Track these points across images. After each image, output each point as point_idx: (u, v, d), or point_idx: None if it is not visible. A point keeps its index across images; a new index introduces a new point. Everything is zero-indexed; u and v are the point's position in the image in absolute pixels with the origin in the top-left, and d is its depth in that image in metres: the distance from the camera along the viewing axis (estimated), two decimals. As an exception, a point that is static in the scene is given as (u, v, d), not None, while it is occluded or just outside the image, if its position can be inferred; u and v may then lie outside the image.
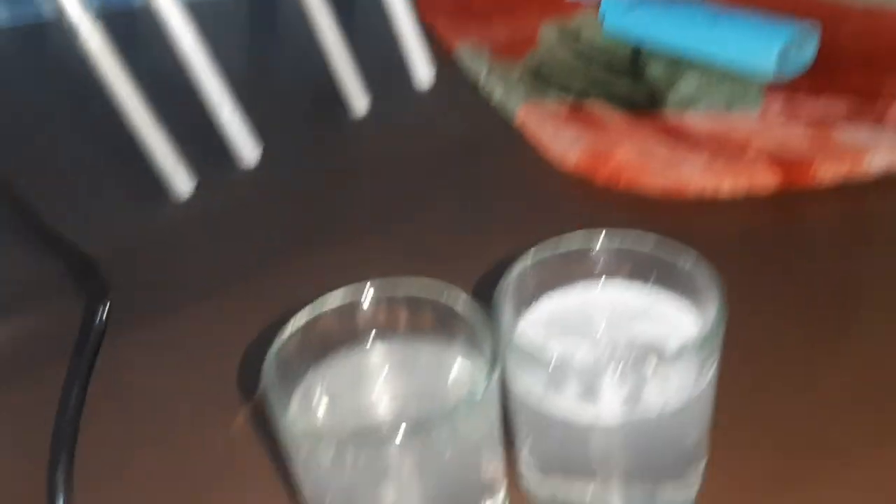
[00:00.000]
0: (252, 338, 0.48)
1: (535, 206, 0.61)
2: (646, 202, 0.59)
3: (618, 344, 0.36)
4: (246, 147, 0.56)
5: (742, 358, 0.45)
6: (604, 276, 0.39)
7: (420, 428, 0.31)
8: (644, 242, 0.38)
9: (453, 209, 0.61)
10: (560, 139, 0.65)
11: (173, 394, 0.47)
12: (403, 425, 0.30)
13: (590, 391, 0.33)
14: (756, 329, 0.48)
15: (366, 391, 0.37)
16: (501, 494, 0.37)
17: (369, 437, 0.32)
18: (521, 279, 0.37)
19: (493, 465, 0.36)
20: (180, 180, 0.54)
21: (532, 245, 0.40)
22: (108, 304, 0.47)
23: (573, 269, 0.39)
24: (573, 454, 0.36)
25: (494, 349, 0.33)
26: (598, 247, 0.38)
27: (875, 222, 0.57)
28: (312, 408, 0.36)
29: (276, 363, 0.34)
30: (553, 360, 0.33)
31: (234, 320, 0.51)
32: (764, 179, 0.59)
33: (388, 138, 0.70)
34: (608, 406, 0.33)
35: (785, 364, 0.46)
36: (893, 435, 0.41)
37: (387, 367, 0.37)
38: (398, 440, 0.30)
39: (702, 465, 0.38)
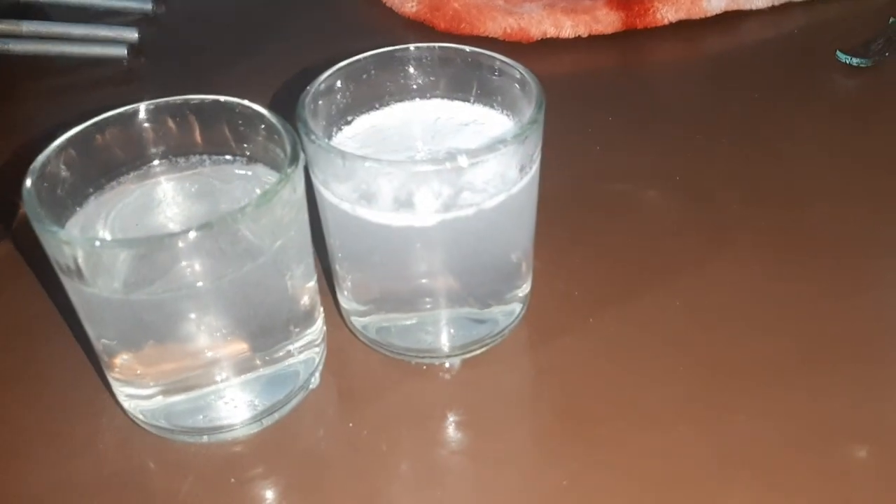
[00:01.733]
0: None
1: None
2: (488, 45, 0.56)
3: (437, 156, 0.34)
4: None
5: (573, 184, 0.45)
6: (425, 96, 0.36)
7: (209, 224, 0.27)
8: (462, 53, 0.35)
9: (284, 53, 0.57)
10: (399, -14, 0.61)
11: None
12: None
13: (405, 196, 0.30)
14: (590, 157, 0.47)
15: (156, 219, 0.33)
16: (318, 324, 0.34)
17: (153, 237, 0.28)
18: (330, 87, 0.34)
19: (306, 290, 0.33)
20: None
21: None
22: None
23: (388, 85, 0.36)
24: (393, 273, 0.33)
25: (294, 147, 0.30)
26: (414, 56, 0.35)
27: (712, 60, 0.57)
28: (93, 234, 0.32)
29: (40, 183, 0.29)
30: (365, 165, 0.30)
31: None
32: (605, 21, 0.57)
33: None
34: (424, 208, 0.31)
35: (612, 190, 0.45)
36: (715, 254, 0.41)
37: (178, 191, 0.34)
38: (188, 236, 0.27)
39: (526, 286, 0.36)
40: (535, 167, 0.33)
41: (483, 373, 0.35)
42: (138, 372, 0.32)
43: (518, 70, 0.33)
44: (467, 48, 0.35)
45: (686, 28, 0.58)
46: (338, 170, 0.31)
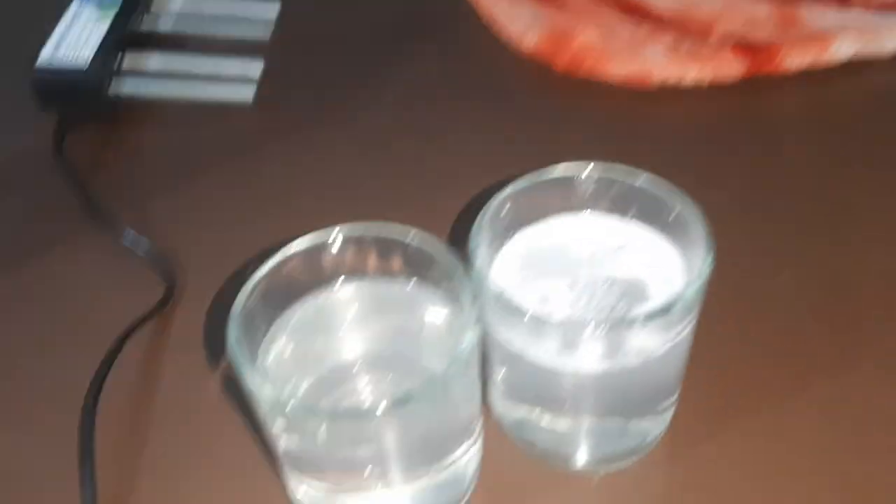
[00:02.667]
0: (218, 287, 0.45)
1: (492, 99, 0.57)
2: (607, 91, 0.56)
3: (597, 285, 0.35)
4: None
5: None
6: (582, 210, 0.37)
7: (402, 400, 0.29)
8: (632, 177, 0.36)
9: (401, 104, 0.57)
10: (517, 17, 0.60)
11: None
12: (384, 401, 0.29)
13: (570, 344, 0.32)
14: (723, 223, 0.47)
15: (334, 335, 0.35)
16: (477, 431, 0.37)
17: (348, 412, 0.31)
18: (496, 216, 0.35)
19: (472, 410, 0.35)
20: None
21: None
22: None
23: (550, 203, 0.37)
24: (549, 393, 0.35)
25: (472, 303, 0.31)
26: (581, 180, 0.36)
27: (839, 110, 0.55)
28: (278, 358, 0.34)
29: (241, 321, 0.31)
30: (531, 315, 0.32)
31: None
32: (729, 68, 0.56)
33: (322, 13, 0.64)
34: (588, 357, 0.32)
35: (754, 266, 0.45)
36: (858, 354, 0.41)
37: (356, 310, 0.36)
38: (380, 413, 0.29)
39: (675, 396, 0.38)
40: (699, 307, 0.34)
41: (627, 484, 0.37)
42: (314, 478, 0.35)
43: (682, 202, 0.34)
44: (635, 171, 0.35)
45: (807, 76, 0.57)
46: (509, 318, 0.33)
